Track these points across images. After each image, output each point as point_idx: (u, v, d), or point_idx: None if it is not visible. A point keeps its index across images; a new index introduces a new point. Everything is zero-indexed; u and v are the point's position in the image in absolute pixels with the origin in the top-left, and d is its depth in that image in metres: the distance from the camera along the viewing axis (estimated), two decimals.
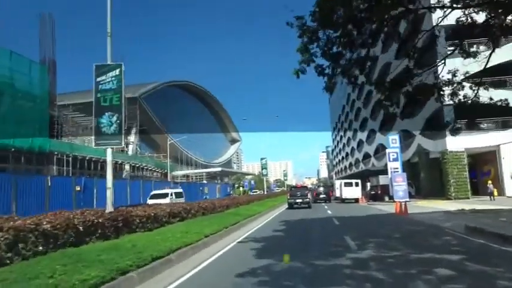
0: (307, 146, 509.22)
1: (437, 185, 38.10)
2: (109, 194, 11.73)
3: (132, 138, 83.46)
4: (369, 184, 44.61)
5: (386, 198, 36.91)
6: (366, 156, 71.48)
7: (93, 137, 12.31)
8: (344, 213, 22.28)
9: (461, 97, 12.05)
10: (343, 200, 38.29)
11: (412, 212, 19.94)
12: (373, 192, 38.64)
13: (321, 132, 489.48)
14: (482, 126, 32.60)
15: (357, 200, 37.81)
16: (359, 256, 8.24)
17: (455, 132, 13.72)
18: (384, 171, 52.13)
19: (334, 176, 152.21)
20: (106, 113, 11.77)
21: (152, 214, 12.06)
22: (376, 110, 60.04)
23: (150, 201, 23.40)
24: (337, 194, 44.61)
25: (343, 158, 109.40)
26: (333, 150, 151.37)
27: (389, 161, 32.81)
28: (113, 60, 12.25)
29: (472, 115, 31.23)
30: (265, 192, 53.01)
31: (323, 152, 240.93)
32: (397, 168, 32.51)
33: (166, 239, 9.14)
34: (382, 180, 40.01)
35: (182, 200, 26.61)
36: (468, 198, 30.87)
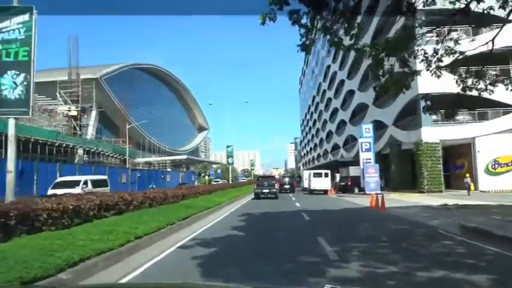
0: (276, 137, 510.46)
1: (407, 178, 36.70)
2: (9, 178, 8.72)
3: (91, 120, 77.93)
4: (338, 175, 42.89)
5: (356, 190, 35.25)
6: (335, 147, 70.18)
7: None
8: (314, 206, 20.03)
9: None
10: (311, 191, 36.33)
11: (390, 206, 17.84)
12: (342, 184, 36.84)
13: (291, 124, 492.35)
14: (458, 117, 31.17)
15: (325, 192, 35.94)
16: (343, 273, 5.75)
17: (428, 109, 11.69)
18: (353, 163, 50.66)
19: (301, 167, 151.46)
20: (8, 72, 8.70)
21: (70, 207, 9.17)
22: (348, 99, 58.52)
23: (51, 191, 17.63)
24: (305, 185, 42.81)
25: (311, 149, 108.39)
26: (301, 141, 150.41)
27: (362, 151, 30.95)
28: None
29: (450, 106, 29.83)
30: (231, 182, 50.37)
31: (291, 143, 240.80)
32: (369, 159, 30.71)
33: (67, 245, 6.30)
34: (353, 171, 38.38)
35: (107, 189, 20.70)
36: (441, 191, 29.46)
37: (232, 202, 23.66)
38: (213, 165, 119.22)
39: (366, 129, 31.41)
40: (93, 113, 79.75)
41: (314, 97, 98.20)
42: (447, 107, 28.17)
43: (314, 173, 36.83)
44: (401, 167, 36.37)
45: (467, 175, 27.09)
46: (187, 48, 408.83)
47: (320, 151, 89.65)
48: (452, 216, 13.63)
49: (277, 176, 61.57)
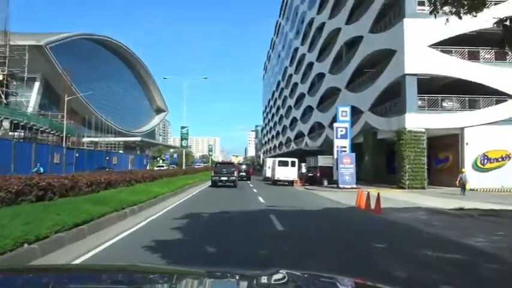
0: (238, 125, 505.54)
1: (382, 171, 32.88)
2: None
3: (33, 93, 69.03)
4: (304, 165, 38.48)
5: (326, 183, 30.90)
6: (299, 135, 66.04)
7: None
8: (283, 203, 15.20)
9: None
10: (275, 182, 31.62)
11: (382, 207, 13.18)
12: (310, 175, 32.34)
13: (254, 112, 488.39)
14: (445, 104, 27.40)
15: (291, 183, 31.36)
16: None
17: None
18: (318, 152, 46.53)
19: (261, 155, 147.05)
20: None
21: None
22: (316, 83, 54.23)
23: None
24: (268, 174, 38.11)
25: (273, 136, 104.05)
26: (262, 129, 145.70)
27: (337, 137, 26.46)
28: None
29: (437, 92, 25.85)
30: (184, 167, 44.74)
31: (252, 130, 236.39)
32: (344, 147, 26.31)
33: None
34: (322, 161, 34.08)
35: None
36: (424, 188, 25.59)
37: (178, 194, 18.33)
38: (170, 149, 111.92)
39: (343, 112, 26.86)
40: (36, 85, 70.86)
41: (279, 82, 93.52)
42: (437, 91, 24.14)
43: (279, 161, 32.02)
44: (376, 159, 32.42)
45: (463, 170, 23.19)
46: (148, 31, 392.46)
47: (282, 139, 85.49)
48: (492, 231, 9.20)
49: (244, 166, 56.68)
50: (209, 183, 27.87)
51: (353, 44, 39.00)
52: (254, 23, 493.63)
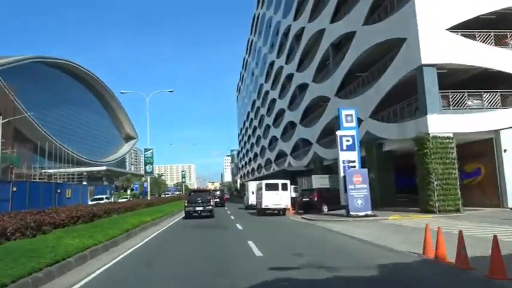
0: (213, 151, 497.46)
1: (391, 191, 26.93)
2: None
3: None
4: (293, 188, 32.00)
5: (325, 209, 24.69)
6: (281, 155, 59.79)
7: None
8: (290, 252, 8.81)
9: None
10: (262, 211, 25.00)
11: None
12: (305, 200, 25.85)
13: (228, 136, 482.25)
14: (469, 103, 21.80)
15: (283, 211, 24.88)
16: None
17: None
18: (306, 172, 40.42)
19: (238, 180, 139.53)
20: None
21: None
22: (298, 96, 48.55)
23: None
24: (251, 201, 31.58)
25: (250, 159, 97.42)
26: (238, 152, 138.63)
27: (342, 149, 20.22)
28: None
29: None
30: (149, 197, 37.52)
31: (228, 155, 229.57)
32: (353, 161, 20.10)
33: None
34: (318, 181, 27.92)
35: None
36: (459, 210, 19.57)
37: (113, 245, 11.33)
38: (142, 178, 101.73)
39: (347, 117, 20.60)
40: None
41: (254, 101, 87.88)
42: (459, 86, 18.45)
43: (267, 185, 25.14)
44: (384, 176, 26.45)
45: None
46: (119, 58, 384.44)
47: (261, 161, 78.97)
48: None
49: (217, 192, 50.68)
50: (176, 217, 21.34)
51: (341, 44, 33.72)
52: (226, 44, 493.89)
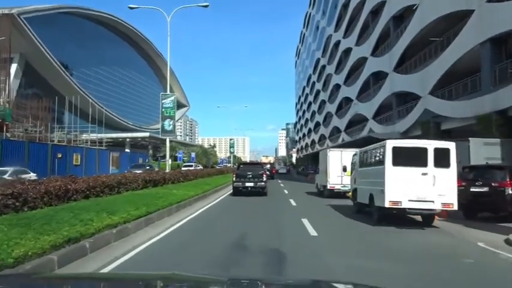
0: (267, 123, 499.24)
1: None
2: None
3: (12, 71, 50.42)
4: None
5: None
6: (354, 122, 53.64)
7: None
8: None
9: None
10: (381, 215, 10.81)
11: None
12: (479, 190, 11.49)
13: (285, 110, 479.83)
14: None
15: (431, 218, 10.73)
16: None
17: None
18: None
19: (294, 154, 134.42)
20: None
21: None
22: (354, 71, 47.30)
23: None
24: (337, 184, 19.30)
25: (310, 130, 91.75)
26: (295, 125, 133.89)
27: None
28: None
29: None
30: (167, 169, 27.63)
31: (283, 129, 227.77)
32: None
33: None
34: (481, 151, 15.28)
35: None
36: None
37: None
38: (192, 148, 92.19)
39: None
40: (13, 67, 51.91)
41: (310, 76, 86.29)
42: None
43: (397, 150, 10.40)
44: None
45: None
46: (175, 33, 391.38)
47: (325, 131, 73.73)
48: None
49: (268, 165, 48.67)
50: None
51: (404, 16, 32.33)
52: (279, 21, 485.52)
